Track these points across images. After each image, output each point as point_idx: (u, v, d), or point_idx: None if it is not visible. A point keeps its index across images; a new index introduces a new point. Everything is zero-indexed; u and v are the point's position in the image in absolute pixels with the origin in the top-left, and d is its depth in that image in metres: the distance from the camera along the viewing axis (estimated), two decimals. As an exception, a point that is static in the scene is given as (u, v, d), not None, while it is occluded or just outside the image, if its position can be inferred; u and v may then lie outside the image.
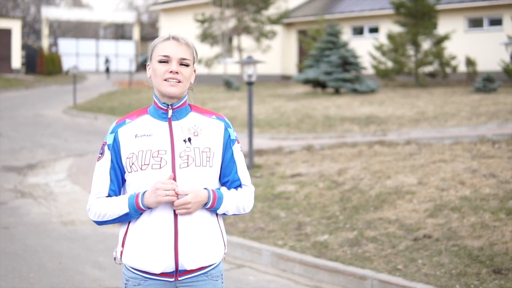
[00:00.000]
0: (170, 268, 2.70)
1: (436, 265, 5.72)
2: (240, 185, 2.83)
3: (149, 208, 2.67)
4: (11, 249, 6.94)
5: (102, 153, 2.76)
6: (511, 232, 6.12)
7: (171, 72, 2.68)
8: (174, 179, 2.68)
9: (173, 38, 2.71)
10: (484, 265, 5.58)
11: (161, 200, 2.61)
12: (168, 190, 2.61)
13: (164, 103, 2.74)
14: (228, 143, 2.80)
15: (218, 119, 2.81)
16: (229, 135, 2.81)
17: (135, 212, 2.69)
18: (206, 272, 2.78)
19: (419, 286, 5.36)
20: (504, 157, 8.69)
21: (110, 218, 2.74)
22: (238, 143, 2.85)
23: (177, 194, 2.65)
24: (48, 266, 6.37)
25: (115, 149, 2.73)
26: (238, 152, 2.83)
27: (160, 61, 2.70)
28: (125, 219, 2.73)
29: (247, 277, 6.18)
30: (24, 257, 6.66)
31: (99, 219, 2.77)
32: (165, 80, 2.69)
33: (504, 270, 5.44)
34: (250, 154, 9.88)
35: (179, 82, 2.70)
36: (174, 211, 2.68)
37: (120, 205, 2.70)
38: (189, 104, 2.82)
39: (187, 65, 2.72)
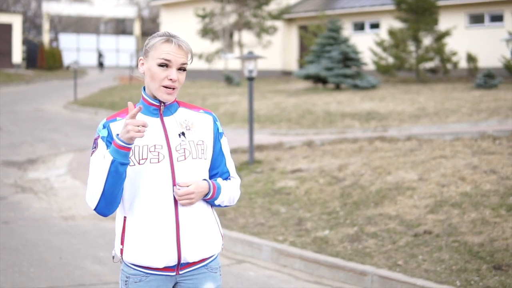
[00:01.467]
0: (173, 261, 2.72)
1: (437, 261, 5.72)
2: (228, 177, 2.87)
3: (128, 144, 2.57)
4: (11, 244, 6.94)
5: (96, 147, 2.74)
6: (511, 228, 6.11)
7: (170, 79, 2.68)
8: (173, 172, 2.69)
9: (174, 41, 2.68)
10: (485, 261, 5.58)
11: (134, 136, 2.53)
12: (139, 125, 2.53)
13: (155, 99, 2.75)
14: (217, 136, 2.85)
15: (206, 113, 2.86)
16: (218, 129, 2.86)
17: (117, 153, 2.57)
18: (206, 265, 2.81)
19: (419, 282, 5.36)
20: (505, 153, 8.68)
21: (102, 183, 2.60)
22: (225, 136, 2.90)
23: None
24: (48, 261, 6.37)
25: (110, 141, 2.70)
26: (226, 145, 2.89)
27: (160, 65, 2.68)
28: (116, 177, 2.59)
29: (247, 273, 6.18)
30: (24, 252, 6.66)
31: (96, 196, 2.63)
32: (163, 86, 2.69)
33: (505, 266, 5.44)
34: (251, 149, 9.87)
35: (175, 88, 2.71)
36: (175, 203, 2.70)
37: (103, 162, 2.60)
38: (176, 100, 2.83)
39: (184, 70, 2.72)
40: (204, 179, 2.75)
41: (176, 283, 2.79)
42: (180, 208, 2.70)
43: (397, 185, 7.75)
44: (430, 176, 7.88)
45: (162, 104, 2.75)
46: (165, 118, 2.76)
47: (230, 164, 2.89)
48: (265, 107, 18.13)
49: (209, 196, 2.75)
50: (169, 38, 2.69)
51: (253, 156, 9.92)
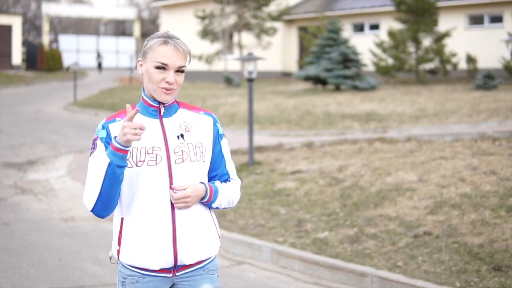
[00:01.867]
0: (169, 263, 2.71)
1: (436, 262, 5.72)
2: (228, 179, 2.87)
3: (125, 146, 2.56)
4: (11, 245, 6.94)
5: (94, 147, 2.73)
6: (511, 229, 6.11)
7: (167, 82, 2.67)
8: (170, 174, 2.69)
9: (172, 44, 2.66)
10: (484, 262, 5.58)
11: (131, 138, 2.52)
12: (136, 128, 2.52)
13: (155, 100, 2.75)
14: (217, 138, 2.84)
15: (206, 115, 2.84)
16: (218, 130, 2.84)
17: (114, 156, 2.56)
18: (203, 266, 2.80)
19: (419, 283, 5.36)
20: (505, 154, 8.68)
21: (99, 185, 2.59)
22: (225, 137, 2.89)
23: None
24: (48, 263, 6.37)
25: (108, 142, 2.70)
26: (226, 147, 2.88)
27: (157, 67, 2.67)
28: (113, 179, 2.59)
29: (247, 274, 6.18)
30: (24, 253, 6.66)
31: (93, 198, 2.63)
32: (160, 87, 2.68)
33: (504, 267, 5.44)
34: (251, 150, 9.87)
35: (173, 90, 2.70)
36: (171, 206, 2.69)
37: (100, 164, 2.60)
38: (176, 101, 2.82)
39: (182, 71, 2.71)
40: (202, 182, 2.74)
41: (173, 285, 2.79)
42: (177, 210, 2.70)
43: (397, 186, 7.76)
44: (430, 177, 7.88)
45: (162, 105, 2.75)
46: (164, 120, 2.75)
47: (230, 166, 2.88)
48: (265, 108, 18.14)
49: (205, 200, 2.74)
50: (166, 40, 2.67)
51: (252, 157, 9.92)
